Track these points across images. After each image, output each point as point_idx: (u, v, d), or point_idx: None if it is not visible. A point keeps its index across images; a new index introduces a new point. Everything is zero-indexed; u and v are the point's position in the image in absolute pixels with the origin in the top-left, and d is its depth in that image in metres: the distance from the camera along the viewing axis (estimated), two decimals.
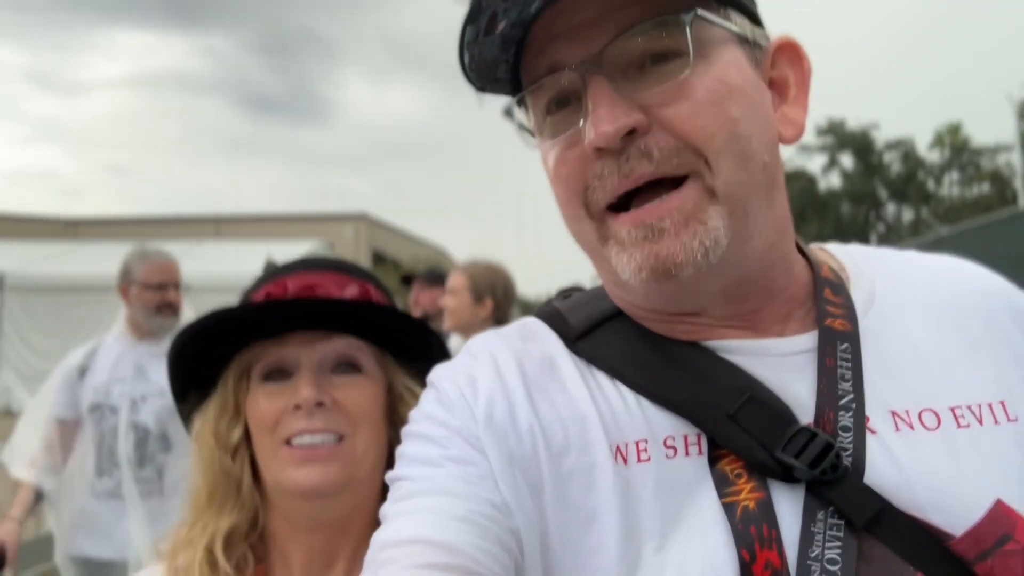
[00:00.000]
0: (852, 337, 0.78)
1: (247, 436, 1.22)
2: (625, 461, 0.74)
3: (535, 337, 0.87)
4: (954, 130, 40.95)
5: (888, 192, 39.73)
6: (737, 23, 0.78)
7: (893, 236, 39.40)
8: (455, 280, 3.64)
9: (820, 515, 0.68)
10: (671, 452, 0.74)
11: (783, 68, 0.84)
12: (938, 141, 41.90)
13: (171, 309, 3.54)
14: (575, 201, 0.79)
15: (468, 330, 3.58)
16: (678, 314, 0.81)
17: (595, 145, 0.73)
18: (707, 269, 0.73)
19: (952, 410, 0.75)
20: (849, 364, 0.76)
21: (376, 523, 0.99)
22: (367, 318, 1.24)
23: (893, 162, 39.89)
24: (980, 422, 0.75)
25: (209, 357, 1.22)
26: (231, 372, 1.23)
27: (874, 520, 0.68)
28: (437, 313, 4.37)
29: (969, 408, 0.76)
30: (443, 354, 1.27)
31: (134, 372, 3.48)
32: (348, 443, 1.16)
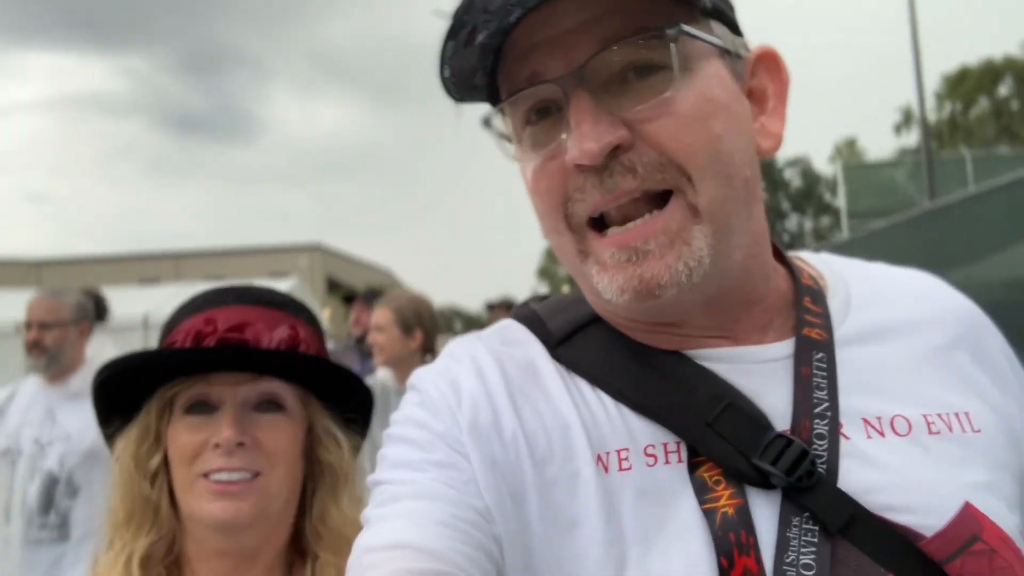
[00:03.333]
0: (827, 346, 0.80)
1: (166, 462, 1.23)
2: (607, 469, 0.75)
3: (516, 341, 0.87)
4: (850, 144, 45.59)
5: (790, 204, 44.34)
6: (719, 35, 0.78)
7: (798, 243, 43.99)
8: (382, 316, 3.58)
9: (795, 521, 0.70)
10: (651, 460, 0.74)
11: (762, 78, 0.84)
12: (836, 154, 46.47)
13: (36, 349, 3.39)
14: (555, 214, 0.78)
15: (399, 363, 3.56)
16: (659, 324, 0.81)
17: (578, 163, 0.73)
18: (689, 288, 0.74)
19: (924, 416, 0.77)
20: (824, 373, 0.78)
21: (283, 554, 1.18)
22: (295, 364, 1.25)
23: (793, 178, 44.54)
24: (950, 429, 0.77)
25: (134, 384, 1.24)
26: (155, 401, 1.24)
27: (848, 525, 0.69)
28: None
29: (939, 415, 0.78)
30: (367, 398, 1.35)
31: (43, 416, 3.40)
32: (263, 480, 1.18)
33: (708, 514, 0.70)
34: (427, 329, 3.68)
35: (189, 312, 1.27)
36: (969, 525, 0.71)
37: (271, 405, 1.23)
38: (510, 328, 0.90)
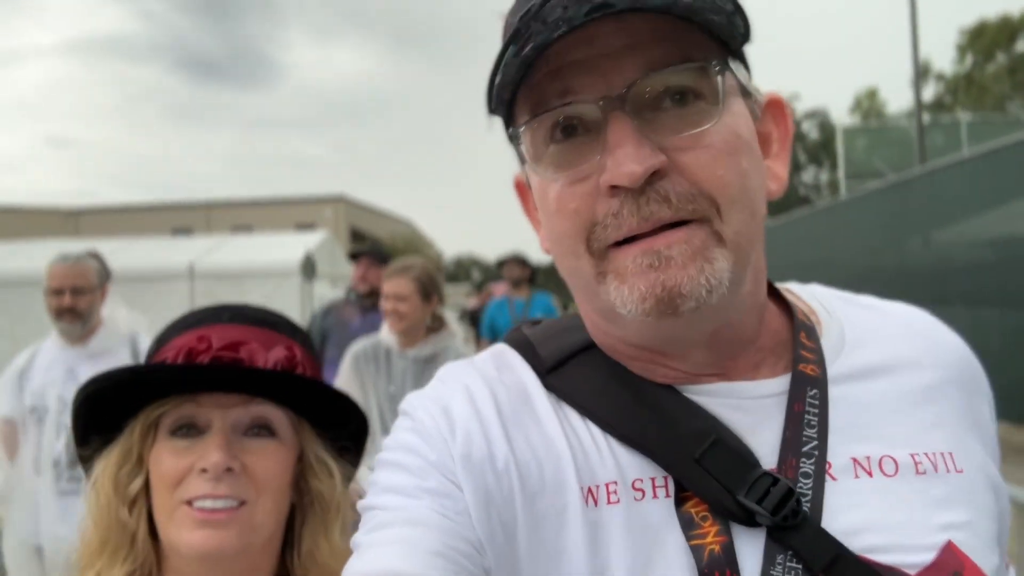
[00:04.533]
0: (820, 383, 0.81)
1: (147, 487, 1.16)
2: (595, 503, 0.75)
3: (509, 367, 0.87)
4: (871, 95, 45.52)
5: (807, 157, 44.67)
6: (743, 76, 0.79)
7: (813, 194, 44.41)
8: (404, 287, 3.72)
9: (779, 559, 0.70)
10: (639, 495, 0.75)
11: (768, 123, 0.85)
12: (857, 106, 46.37)
13: (70, 314, 3.55)
14: (578, 237, 0.77)
15: (414, 328, 3.78)
16: (658, 354, 0.81)
17: (617, 183, 0.72)
18: (705, 308, 0.73)
19: (912, 455, 0.78)
20: (816, 410, 0.78)
21: None
22: (290, 387, 1.21)
23: (811, 130, 44.75)
24: (935, 469, 0.78)
25: (117, 403, 1.18)
26: (139, 421, 1.17)
27: (831, 564, 0.70)
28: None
29: (926, 455, 0.78)
30: (362, 424, 1.28)
31: (65, 375, 3.56)
32: (249, 509, 1.13)
33: (695, 550, 0.71)
34: (440, 294, 3.92)
35: (181, 329, 1.22)
36: (951, 564, 0.72)
37: (262, 430, 1.18)
38: (503, 354, 0.90)
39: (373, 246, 5.21)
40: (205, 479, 1.11)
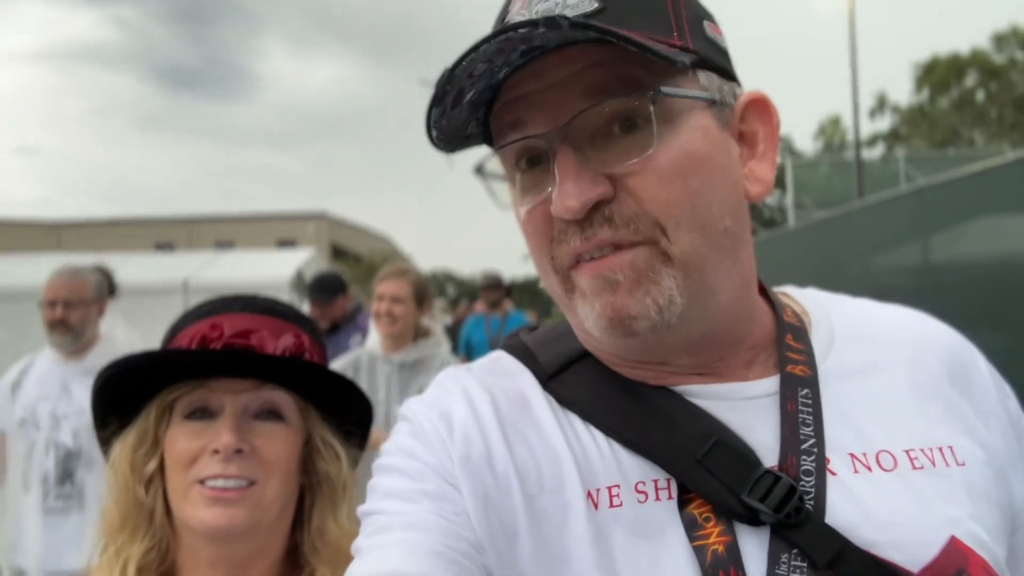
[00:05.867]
0: (811, 383, 0.82)
1: (162, 468, 1.22)
2: (597, 506, 0.75)
3: (508, 372, 0.89)
4: (835, 122, 47.30)
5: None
6: (705, 85, 0.79)
7: (779, 217, 46.17)
8: (401, 289, 3.76)
9: (784, 557, 0.71)
10: (642, 497, 0.75)
11: (752, 122, 0.85)
12: (821, 132, 48.06)
13: (61, 327, 3.48)
14: (543, 255, 0.81)
15: (406, 331, 3.80)
16: (644, 362, 0.82)
17: (559, 216, 0.75)
18: (664, 326, 0.75)
19: (907, 452, 0.78)
20: (810, 409, 0.79)
21: (277, 567, 1.19)
22: (297, 372, 1.26)
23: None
24: (933, 464, 0.78)
25: (135, 387, 1.24)
26: (154, 405, 1.24)
27: (835, 559, 0.70)
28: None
29: (923, 450, 0.79)
30: (367, 410, 1.35)
31: (59, 389, 3.49)
32: (258, 489, 1.19)
33: (698, 551, 0.71)
34: (430, 301, 4.01)
35: (195, 318, 1.29)
36: (955, 559, 0.72)
37: (271, 414, 1.24)
38: (501, 360, 0.91)
39: (315, 282, 5.14)
40: (217, 460, 1.17)
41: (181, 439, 1.21)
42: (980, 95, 33.92)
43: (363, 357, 3.86)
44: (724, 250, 0.79)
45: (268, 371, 1.25)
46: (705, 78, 0.79)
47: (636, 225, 0.75)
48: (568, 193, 0.74)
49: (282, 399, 1.26)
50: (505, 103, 0.79)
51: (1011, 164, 6.65)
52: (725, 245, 0.79)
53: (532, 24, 0.69)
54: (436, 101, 0.76)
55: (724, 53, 0.84)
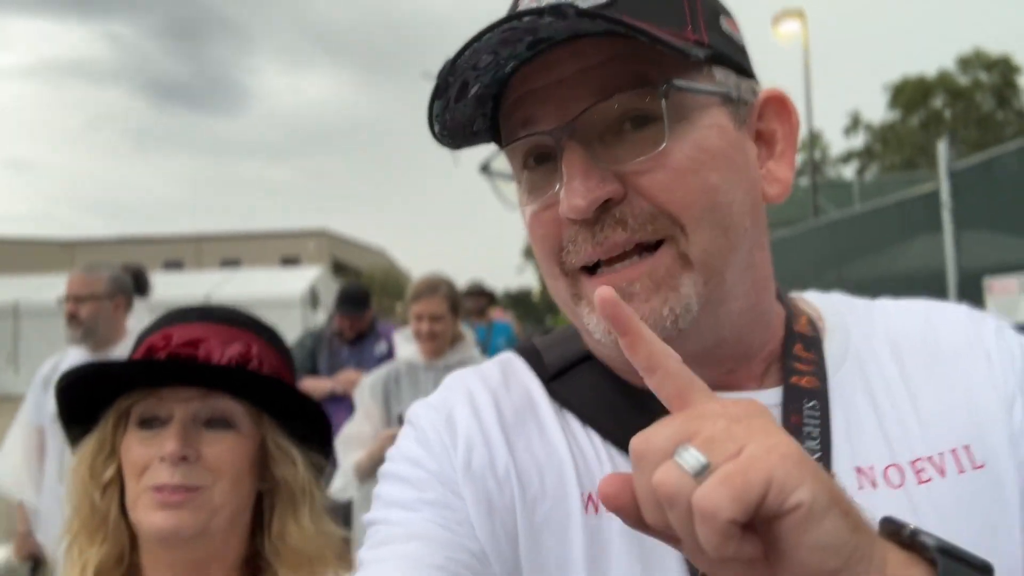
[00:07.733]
0: (820, 394, 0.79)
1: (121, 474, 1.25)
2: (596, 510, 0.75)
3: (515, 375, 0.88)
4: (815, 138, 49.24)
5: None
6: (721, 81, 0.77)
7: None
8: (439, 307, 3.82)
9: None
10: None
11: (770, 121, 0.82)
12: (802, 147, 49.83)
13: (73, 321, 3.60)
14: (551, 260, 0.79)
15: (447, 342, 3.92)
16: None
17: (567, 217, 0.73)
18: (677, 335, 0.73)
19: (913, 464, 0.76)
20: (817, 421, 0.77)
21: (236, 570, 1.21)
22: (244, 380, 1.28)
23: None
24: (942, 473, 0.76)
25: (90, 396, 1.28)
26: (112, 413, 1.27)
27: None
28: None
29: (931, 460, 0.76)
30: (319, 415, 1.36)
31: None
32: (205, 493, 1.21)
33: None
34: (462, 306, 4.13)
35: (154, 328, 1.33)
36: None
37: (220, 422, 1.25)
38: (510, 361, 0.91)
39: (345, 296, 5.27)
40: (164, 466, 1.20)
41: (134, 447, 1.24)
42: (947, 114, 35.87)
43: (401, 367, 3.91)
44: (743, 253, 0.78)
45: (214, 379, 1.27)
46: (721, 74, 0.78)
47: (653, 225, 0.74)
48: (575, 191, 0.73)
49: (231, 407, 1.28)
50: (514, 99, 0.78)
51: (916, 199, 7.71)
52: (744, 248, 0.78)
53: (538, 13, 0.67)
54: (438, 93, 0.75)
55: (741, 49, 0.82)
